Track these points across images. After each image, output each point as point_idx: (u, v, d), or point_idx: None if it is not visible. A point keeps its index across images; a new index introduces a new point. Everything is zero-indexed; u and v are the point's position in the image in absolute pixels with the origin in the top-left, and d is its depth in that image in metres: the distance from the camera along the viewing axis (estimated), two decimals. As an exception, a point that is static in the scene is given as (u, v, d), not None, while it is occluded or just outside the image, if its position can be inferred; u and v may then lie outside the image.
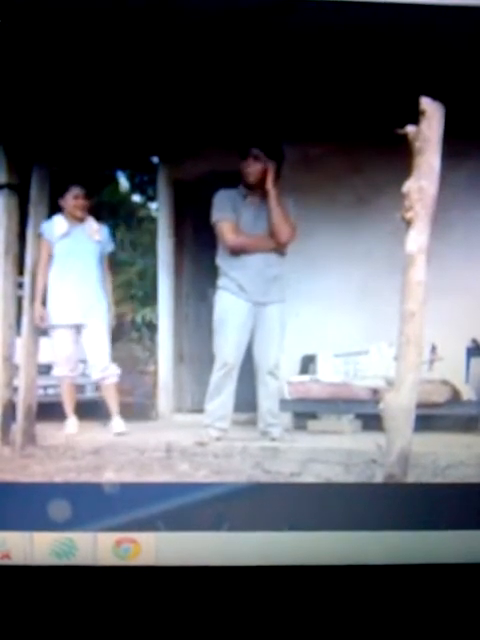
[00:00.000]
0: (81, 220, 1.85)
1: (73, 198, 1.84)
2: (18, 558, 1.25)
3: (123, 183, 1.88)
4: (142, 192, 1.98)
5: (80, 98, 1.38)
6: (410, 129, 1.34)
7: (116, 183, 1.86)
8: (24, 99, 1.37)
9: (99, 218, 1.87)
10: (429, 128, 1.33)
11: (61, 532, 1.25)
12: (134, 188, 1.93)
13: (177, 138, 1.67)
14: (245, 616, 1.26)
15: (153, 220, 2.02)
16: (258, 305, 1.79)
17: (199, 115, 1.43)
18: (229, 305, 1.79)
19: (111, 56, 1.32)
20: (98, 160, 1.73)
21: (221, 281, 1.80)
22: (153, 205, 2.01)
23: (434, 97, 1.34)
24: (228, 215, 1.77)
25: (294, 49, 1.29)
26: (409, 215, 1.34)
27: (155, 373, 2.00)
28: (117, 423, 1.80)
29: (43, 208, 1.73)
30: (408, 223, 1.35)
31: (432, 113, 1.32)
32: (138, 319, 2.03)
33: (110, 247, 1.88)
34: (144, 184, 1.97)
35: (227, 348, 1.78)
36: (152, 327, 2.02)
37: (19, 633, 1.25)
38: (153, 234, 2.03)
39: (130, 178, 1.90)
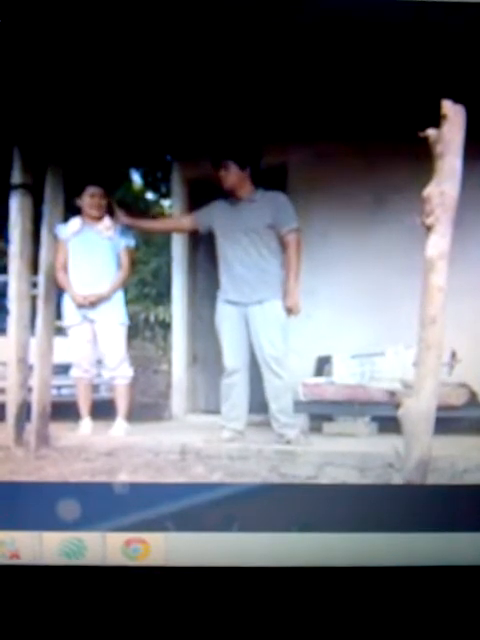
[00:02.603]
0: (98, 219, 1.85)
1: (90, 197, 1.84)
2: (27, 558, 1.25)
3: (137, 181, 1.87)
4: (156, 190, 1.97)
5: (93, 98, 1.38)
6: (431, 132, 1.32)
7: (130, 181, 1.86)
8: (38, 99, 1.36)
9: (113, 215, 1.87)
10: (451, 131, 1.30)
11: (70, 532, 1.25)
12: (148, 186, 1.92)
13: (189, 138, 1.65)
14: (255, 617, 1.25)
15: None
16: (244, 306, 1.80)
17: (209, 115, 1.42)
18: (220, 310, 1.82)
19: (124, 56, 1.31)
20: (112, 160, 1.72)
21: (219, 290, 1.82)
22: (166, 202, 2.00)
23: (453, 97, 1.32)
24: (196, 214, 1.85)
25: (308, 45, 1.28)
26: (430, 220, 1.32)
27: (169, 373, 1.99)
28: (118, 426, 1.80)
29: (58, 208, 1.72)
30: (428, 228, 1.33)
31: (454, 116, 1.29)
32: (151, 318, 2.02)
33: (126, 242, 1.88)
34: (158, 181, 1.96)
35: (225, 352, 1.80)
36: (165, 326, 2.02)
37: (28, 633, 1.25)
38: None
39: (144, 176, 1.89)
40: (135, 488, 1.30)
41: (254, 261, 1.78)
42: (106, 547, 1.25)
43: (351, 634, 1.25)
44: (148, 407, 1.94)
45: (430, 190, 1.33)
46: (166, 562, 1.25)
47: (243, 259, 1.77)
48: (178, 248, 2.03)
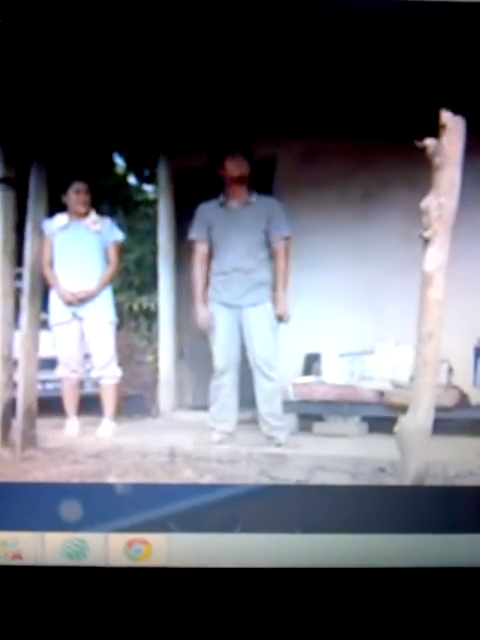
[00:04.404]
0: (84, 215, 1.82)
1: (75, 193, 1.81)
2: (29, 558, 1.25)
3: (120, 167, 1.83)
4: (140, 177, 1.93)
5: (78, 91, 1.34)
6: (430, 143, 1.29)
7: (114, 168, 1.82)
8: (22, 93, 1.33)
9: (97, 203, 1.84)
10: (450, 143, 1.28)
11: (73, 532, 1.25)
12: (132, 172, 1.89)
13: (186, 129, 1.61)
14: (257, 618, 1.26)
15: (150, 205, 1.98)
16: (238, 308, 1.79)
17: (200, 109, 1.39)
18: (214, 312, 1.81)
19: (112, 49, 1.28)
20: (97, 154, 1.69)
21: (209, 291, 1.82)
22: (150, 187, 1.97)
23: (451, 102, 1.30)
24: (202, 236, 1.81)
25: (300, 41, 1.25)
26: (428, 234, 1.30)
27: (156, 369, 1.98)
28: (105, 426, 1.78)
29: (42, 203, 1.69)
30: (426, 241, 1.31)
31: (453, 127, 1.27)
32: (135, 307, 2.00)
33: (114, 237, 1.86)
34: (142, 168, 1.93)
35: (216, 352, 1.79)
36: (150, 316, 2.00)
37: (30, 634, 1.25)
38: (151, 220, 1.99)
39: (128, 162, 1.85)
40: (137, 489, 1.30)
41: (249, 264, 1.76)
42: (108, 548, 1.24)
43: (353, 634, 1.26)
44: (133, 399, 1.93)
45: (428, 202, 1.31)
46: (168, 563, 1.25)
47: (238, 262, 1.76)
48: (163, 239, 2.00)
